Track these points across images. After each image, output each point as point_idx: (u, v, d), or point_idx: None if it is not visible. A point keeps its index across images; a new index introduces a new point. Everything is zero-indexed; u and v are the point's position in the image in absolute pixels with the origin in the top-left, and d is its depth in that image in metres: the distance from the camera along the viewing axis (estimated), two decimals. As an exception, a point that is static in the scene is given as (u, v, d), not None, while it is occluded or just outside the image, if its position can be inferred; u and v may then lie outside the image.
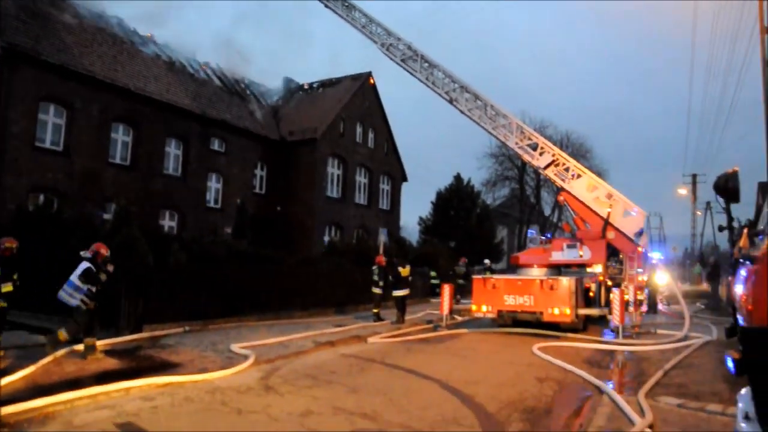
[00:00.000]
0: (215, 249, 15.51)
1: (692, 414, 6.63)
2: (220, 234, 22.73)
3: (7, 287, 8.33)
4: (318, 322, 14.99)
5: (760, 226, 3.34)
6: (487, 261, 21.16)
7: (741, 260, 3.31)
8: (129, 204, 14.26)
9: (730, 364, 3.07)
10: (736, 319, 3.18)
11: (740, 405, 3.42)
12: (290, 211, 28.50)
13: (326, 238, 28.99)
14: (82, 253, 9.33)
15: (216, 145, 26.04)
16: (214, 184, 26.05)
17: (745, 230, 3.62)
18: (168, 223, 23.56)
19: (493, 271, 20.96)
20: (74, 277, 9.01)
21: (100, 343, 9.64)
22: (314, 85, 35.14)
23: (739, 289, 3.34)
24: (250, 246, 17.77)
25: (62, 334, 8.97)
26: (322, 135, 29.10)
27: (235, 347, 10.23)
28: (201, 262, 14.33)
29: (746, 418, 3.16)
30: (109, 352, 9.47)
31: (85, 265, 9.09)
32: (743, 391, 3.25)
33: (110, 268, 9.38)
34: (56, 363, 8.38)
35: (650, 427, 5.97)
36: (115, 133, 21.59)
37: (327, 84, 34.42)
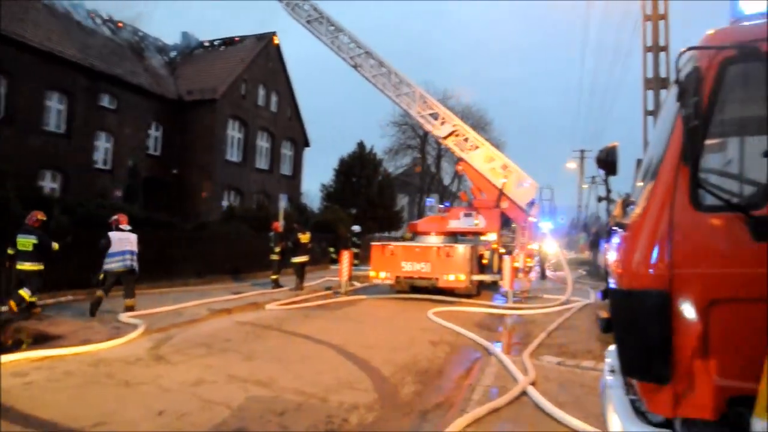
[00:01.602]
0: (102, 213, 14.56)
1: (569, 370, 7.17)
2: (110, 197, 21.39)
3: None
4: (215, 289, 14.64)
5: (633, 198, 3.59)
6: (356, 227, 21.37)
7: (614, 228, 3.56)
8: (2, 162, 13.00)
9: (600, 323, 3.32)
10: (608, 283, 3.43)
11: (607, 360, 3.74)
12: (187, 175, 27.25)
13: (225, 203, 28.12)
14: None
15: (106, 101, 24.17)
16: (103, 144, 24.25)
17: (620, 201, 3.88)
18: (49, 184, 21.73)
19: (359, 239, 21.17)
20: None
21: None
22: (215, 43, 33.44)
23: (611, 255, 3.60)
24: (142, 210, 16.90)
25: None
26: (222, 96, 27.87)
27: (124, 316, 9.80)
28: (87, 227, 13.42)
29: (612, 371, 3.45)
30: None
31: None
32: (611, 347, 3.53)
33: None
34: None
35: (532, 383, 6.39)
36: (-17, 82, 19.48)
37: (229, 42, 32.86)
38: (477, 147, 16.32)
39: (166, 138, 27.60)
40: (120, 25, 29.22)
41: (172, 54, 32.87)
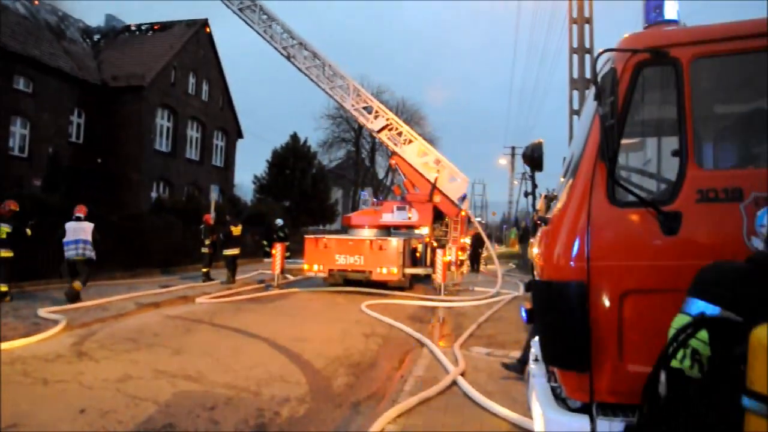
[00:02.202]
0: (19, 203, 13.76)
1: (497, 360, 7.40)
2: (27, 186, 20.23)
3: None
4: (142, 282, 14.19)
5: (556, 193, 3.76)
6: (279, 221, 21.26)
7: (538, 222, 3.71)
8: None
9: (523, 313, 3.47)
10: (533, 275, 3.59)
11: (532, 350, 3.90)
12: (114, 164, 26.07)
13: (154, 195, 27.16)
14: None
15: (21, 84, 22.76)
16: (18, 129, 22.84)
17: (543, 195, 4.05)
18: (-42, 171, 20.34)
19: (285, 232, 21.12)
20: None
21: None
22: (143, 28, 32.08)
23: (535, 248, 3.76)
24: (64, 200, 16.06)
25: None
26: (150, 83, 26.80)
27: (43, 312, 9.34)
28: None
29: (535, 360, 3.61)
30: None
31: None
32: (536, 338, 3.69)
33: None
34: None
35: (462, 374, 6.57)
36: None
37: (157, 27, 31.64)
38: (410, 141, 16.51)
39: (89, 125, 26.29)
40: (36, 2, 27.48)
41: (96, 37, 31.29)
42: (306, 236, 15.61)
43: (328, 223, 38.53)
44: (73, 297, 10.74)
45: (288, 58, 16.86)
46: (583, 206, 2.80)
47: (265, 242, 22.53)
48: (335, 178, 46.94)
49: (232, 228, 15.44)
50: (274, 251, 15.45)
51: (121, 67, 27.62)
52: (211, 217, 16.25)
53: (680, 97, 2.76)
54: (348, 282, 14.70)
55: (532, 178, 4.04)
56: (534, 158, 3.72)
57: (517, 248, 37.79)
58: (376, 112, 16.75)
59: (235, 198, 30.51)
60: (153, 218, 19.23)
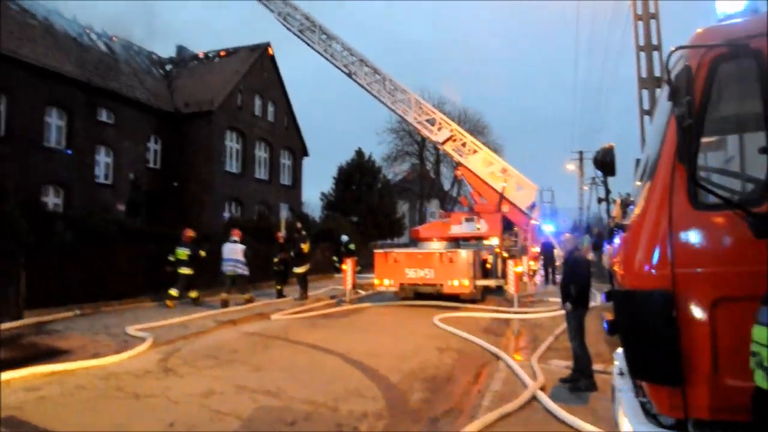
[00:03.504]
0: (106, 227, 14.64)
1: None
2: (112, 211, 21.45)
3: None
4: (217, 300, 14.62)
5: (632, 198, 3.64)
6: (344, 237, 21.43)
7: (614, 229, 3.59)
8: (4, 180, 13.07)
9: (605, 325, 3.35)
10: (612, 284, 3.47)
11: (615, 363, 3.77)
12: (187, 187, 27.31)
13: (226, 215, 28.16)
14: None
15: (104, 116, 24.25)
16: (103, 158, 24.33)
17: (618, 201, 3.92)
18: (52, 200, 21.80)
19: (352, 247, 21.27)
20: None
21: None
22: (210, 55, 33.58)
23: (613, 256, 3.64)
24: (144, 223, 16.95)
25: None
26: (218, 107, 27.96)
27: (131, 329, 9.82)
28: (90, 241, 13.48)
29: (620, 373, 3.48)
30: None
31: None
32: (619, 350, 3.56)
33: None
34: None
35: (542, 388, 6.41)
36: (-17, 100, 19.54)
37: (223, 54, 33.02)
38: (475, 151, 16.41)
39: (165, 151, 27.70)
40: (114, 39, 29.33)
41: (168, 67, 33.00)
42: (375, 251, 15.72)
43: (396, 236, 38.65)
44: (224, 304, 13.35)
45: (349, 75, 17.19)
46: (664, 211, 2.70)
47: (335, 258, 22.87)
48: (401, 191, 47.12)
49: (302, 245, 15.77)
50: (344, 267, 15.66)
51: (192, 94, 28.95)
52: (281, 236, 16.66)
53: (765, 91, 2.60)
54: (419, 295, 14.66)
55: (605, 183, 3.93)
56: (606, 163, 3.62)
57: (590, 256, 36.57)
58: (439, 123, 16.77)
59: (303, 215, 31.14)
60: (226, 237, 19.87)
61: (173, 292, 13.35)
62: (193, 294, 13.83)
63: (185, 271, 13.61)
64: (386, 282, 14.72)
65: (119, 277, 13.15)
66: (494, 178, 15.90)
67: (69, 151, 22.33)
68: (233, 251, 14.05)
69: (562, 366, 7.65)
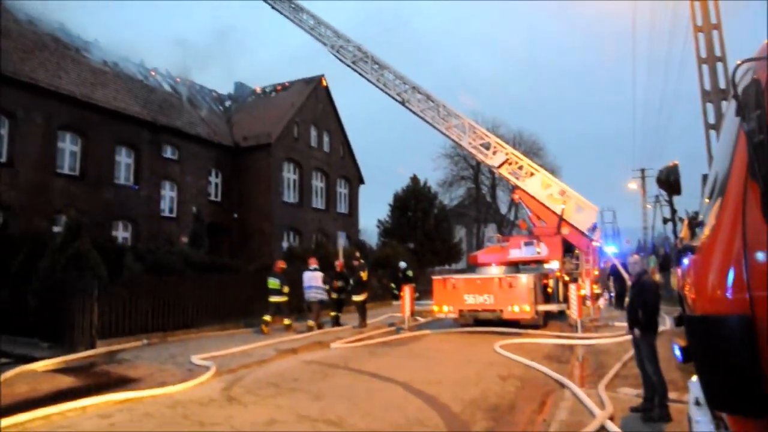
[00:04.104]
0: (171, 259, 15.20)
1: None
2: (177, 243, 22.24)
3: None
4: (280, 329, 14.83)
5: (700, 217, 3.47)
6: (402, 263, 21.30)
7: (683, 250, 3.43)
8: (79, 215, 13.79)
9: (677, 352, 3.18)
10: (683, 308, 3.30)
11: (691, 392, 3.56)
12: (247, 218, 28.11)
13: (285, 244, 28.70)
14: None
15: (168, 152, 25.43)
16: (168, 193, 25.42)
17: (686, 221, 3.75)
18: (122, 233, 22.87)
19: (410, 274, 21.08)
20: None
21: (51, 362, 9.42)
22: (266, 90, 34.76)
23: (683, 279, 3.47)
24: (207, 255, 17.49)
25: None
26: (276, 140, 28.79)
27: (196, 359, 10.05)
28: (157, 273, 14.02)
29: (697, 403, 3.29)
30: (63, 370, 9.17)
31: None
32: (693, 378, 3.37)
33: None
34: (6, 385, 8.04)
35: (611, 418, 6.14)
36: (62, 142, 20.82)
37: (279, 88, 34.11)
38: (532, 174, 16.16)
39: (225, 184, 28.67)
40: (178, 80, 30.86)
41: (227, 103, 34.36)
42: (433, 277, 15.61)
43: (454, 262, 38.33)
44: (309, 329, 14.27)
45: (402, 103, 17.34)
46: (737, 230, 2.56)
47: (393, 285, 22.84)
48: (457, 216, 46.85)
49: (361, 273, 15.84)
50: (402, 294, 15.62)
51: (250, 128, 29.95)
52: (340, 264, 16.80)
53: None
54: (479, 322, 14.42)
55: (670, 203, 3.79)
56: (670, 182, 3.48)
57: (657, 278, 35.10)
58: (494, 147, 16.65)
59: (361, 243, 31.38)
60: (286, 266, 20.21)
61: (267, 318, 14.17)
62: (287, 322, 14.61)
63: (277, 299, 14.46)
64: (445, 309, 14.56)
65: (184, 308, 13.54)
66: (553, 200, 15.58)
67: (136, 187, 23.47)
68: (313, 278, 14.89)
69: (632, 394, 7.32)
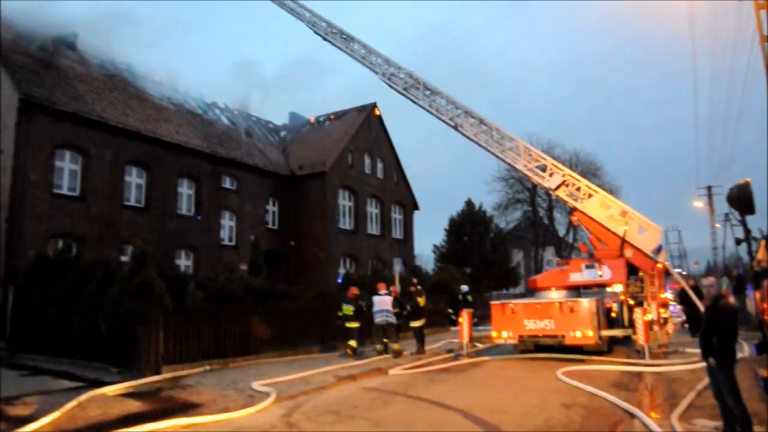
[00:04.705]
0: (231, 286, 15.51)
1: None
2: (236, 271, 22.73)
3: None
4: (338, 356, 14.86)
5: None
6: (464, 287, 20.90)
7: (762, 273, 3.24)
8: (145, 245, 14.36)
9: (761, 383, 2.97)
10: (765, 335, 3.09)
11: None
12: (304, 245, 28.56)
13: (341, 270, 28.92)
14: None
15: (227, 183, 26.28)
16: (227, 222, 26.20)
17: (763, 242, 3.55)
18: (184, 262, 23.64)
19: (470, 299, 20.67)
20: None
21: (120, 387, 9.73)
22: (320, 119, 35.52)
23: (762, 303, 3.27)
24: (265, 282, 17.77)
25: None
26: (331, 168, 29.29)
27: (256, 385, 10.16)
28: (218, 300, 14.33)
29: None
30: (131, 395, 9.45)
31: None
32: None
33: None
34: (80, 408, 8.37)
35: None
36: (128, 176, 21.87)
37: (333, 117, 34.79)
38: (590, 195, 15.75)
39: (282, 212, 29.30)
40: (236, 112, 31.98)
41: (283, 133, 35.28)
42: (492, 302, 15.33)
43: (512, 286, 37.63)
44: (395, 354, 14.40)
45: (455, 127, 17.30)
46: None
47: (450, 310, 22.59)
48: (514, 240, 46.13)
49: (418, 299, 15.73)
50: (460, 319, 15.40)
51: (305, 157, 30.61)
52: (396, 290, 16.74)
53: None
54: (540, 348, 14.01)
55: (743, 222, 3.60)
56: (743, 201, 3.32)
57: (731, 300, 33.30)
58: (550, 169, 16.33)
59: (417, 268, 31.26)
60: (342, 293, 20.33)
61: (352, 343, 14.45)
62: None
63: (352, 324, 14.66)
64: (504, 334, 14.25)
65: (243, 334, 13.76)
66: (614, 221, 15.11)
67: (198, 217, 24.26)
68: (383, 302, 14.97)
69: (710, 426, 6.91)
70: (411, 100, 18.00)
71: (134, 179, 22.17)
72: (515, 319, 14.08)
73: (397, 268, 20.90)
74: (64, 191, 19.59)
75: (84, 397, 8.85)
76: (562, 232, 47.19)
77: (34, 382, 10.91)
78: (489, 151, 17.02)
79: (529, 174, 16.76)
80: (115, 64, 24.91)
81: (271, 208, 29.06)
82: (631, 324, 13.57)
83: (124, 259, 18.35)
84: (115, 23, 32.34)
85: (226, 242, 25.90)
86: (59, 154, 19.52)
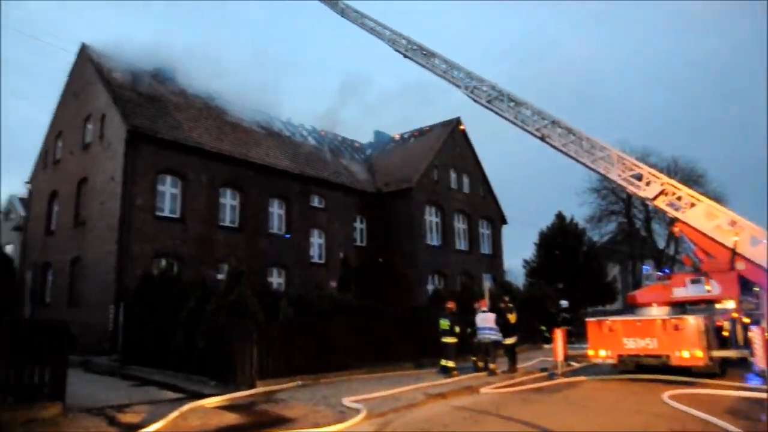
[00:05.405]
0: (321, 303, 15.77)
1: None
2: (326, 288, 23.17)
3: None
4: (428, 373, 14.65)
5: None
6: (564, 302, 19.93)
7: None
8: (239, 264, 14.92)
9: None
10: None
11: None
12: (392, 262, 28.66)
13: (430, 287, 28.75)
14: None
15: (316, 201, 26.96)
16: (316, 240, 26.82)
17: None
18: (276, 279, 24.39)
19: (569, 315, 19.64)
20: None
21: (218, 399, 10.08)
22: (405, 136, 35.76)
23: None
24: (355, 298, 17.92)
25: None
26: (417, 184, 29.34)
27: (347, 401, 10.16)
28: (309, 317, 14.60)
29: None
30: (228, 407, 9.75)
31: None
32: None
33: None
34: (182, 418, 8.74)
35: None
36: (223, 198, 22.95)
37: (417, 134, 34.91)
38: (693, 204, 14.70)
39: (370, 229, 29.62)
40: (322, 133, 32.85)
41: (368, 151, 35.81)
42: (587, 319, 14.61)
43: (608, 302, 35.89)
44: (490, 372, 14.11)
45: (542, 138, 16.74)
46: None
47: (543, 327, 21.84)
48: (609, 253, 44.06)
49: (509, 316, 15.29)
50: (554, 337, 14.79)
51: (391, 174, 30.86)
52: (485, 302, 16.38)
53: None
54: (641, 368, 13.14)
55: None
56: None
57: None
58: (647, 178, 15.43)
59: (507, 284, 30.54)
60: (432, 309, 20.14)
61: (451, 364, 14.05)
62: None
63: (448, 340, 14.33)
64: (602, 353, 13.50)
65: (334, 350, 13.89)
66: (722, 232, 13.99)
67: (288, 236, 24.99)
68: (486, 319, 14.76)
69: None
70: (495, 113, 17.65)
71: (228, 201, 23.22)
72: (613, 337, 13.32)
73: (487, 284, 20.51)
74: (166, 213, 20.85)
75: (186, 408, 9.27)
76: (661, 244, 44.57)
77: (142, 392, 11.70)
78: (579, 161, 16.35)
79: (624, 184, 15.92)
80: (209, 93, 26.31)
81: (359, 225, 29.48)
82: (747, 344, 12.43)
83: (220, 277, 19.18)
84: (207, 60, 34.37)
85: (315, 260, 26.50)
86: (161, 179, 20.84)
